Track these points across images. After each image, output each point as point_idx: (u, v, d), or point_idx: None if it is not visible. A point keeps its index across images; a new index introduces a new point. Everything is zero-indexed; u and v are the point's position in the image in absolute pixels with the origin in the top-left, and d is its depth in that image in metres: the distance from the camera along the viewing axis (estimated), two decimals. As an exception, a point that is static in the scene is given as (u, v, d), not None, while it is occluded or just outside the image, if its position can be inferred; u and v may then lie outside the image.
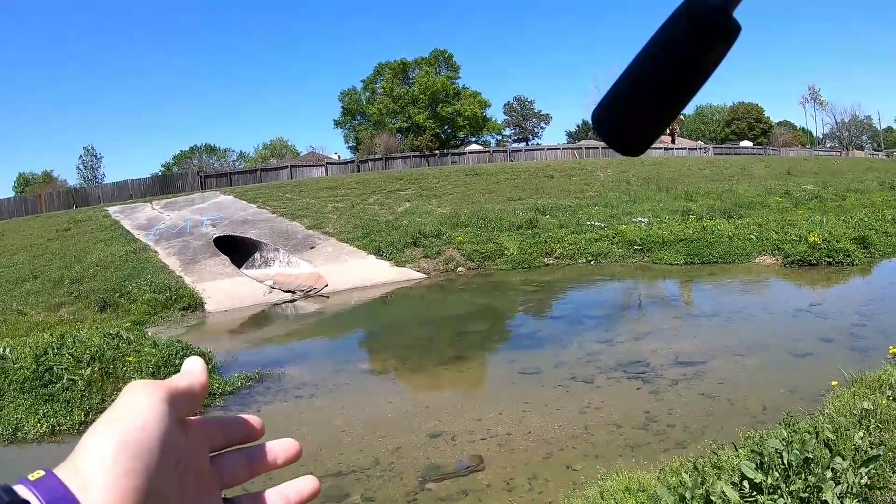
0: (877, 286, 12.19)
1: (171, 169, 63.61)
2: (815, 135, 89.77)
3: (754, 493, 3.19)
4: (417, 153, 48.00)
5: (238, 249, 19.04)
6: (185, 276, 16.31)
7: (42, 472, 0.42)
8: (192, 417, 0.51)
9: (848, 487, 3.15)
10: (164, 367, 8.38)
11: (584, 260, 16.76)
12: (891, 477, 3.44)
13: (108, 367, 8.12)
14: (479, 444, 5.89)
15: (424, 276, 16.64)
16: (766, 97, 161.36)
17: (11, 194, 54.69)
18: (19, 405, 7.52)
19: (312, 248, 19.01)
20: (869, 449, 3.67)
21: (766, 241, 15.47)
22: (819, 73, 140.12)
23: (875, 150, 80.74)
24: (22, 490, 0.40)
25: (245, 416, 0.56)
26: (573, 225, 20.11)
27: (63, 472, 0.42)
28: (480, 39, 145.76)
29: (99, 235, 22.25)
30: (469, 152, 48.71)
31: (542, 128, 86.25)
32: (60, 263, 18.51)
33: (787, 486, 3.13)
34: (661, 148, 53.31)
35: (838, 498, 3.07)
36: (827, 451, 3.38)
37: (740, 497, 3.15)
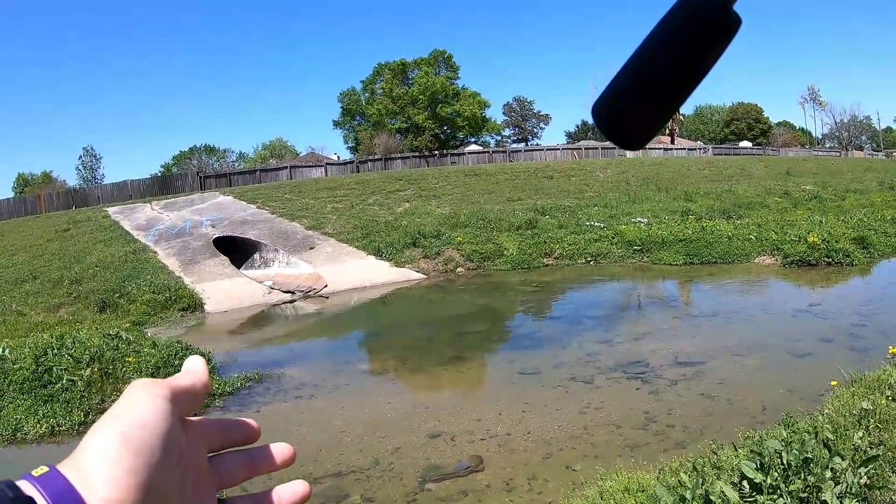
0: (876, 286, 12.19)
1: (171, 169, 63.61)
2: (814, 135, 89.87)
3: (754, 493, 3.19)
4: (417, 154, 47.98)
5: (237, 250, 19.04)
6: (184, 276, 16.31)
7: (46, 468, 0.42)
8: (193, 417, 0.51)
9: (847, 487, 3.16)
10: (164, 367, 8.37)
11: (584, 260, 16.76)
12: (890, 477, 3.44)
13: (107, 368, 8.11)
14: (478, 444, 5.89)
15: (424, 276, 16.64)
16: (766, 97, 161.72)
17: (11, 195, 54.68)
18: (19, 406, 7.52)
19: (312, 248, 19.01)
20: (868, 449, 3.67)
21: (766, 241, 15.47)
22: (819, 73, 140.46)
23: (874, 151, 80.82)
24: (25, 486, 0.41)
25: (243, 418, 0.56)
26: (572, 225, 20.12)
27: (66, 468, 0.42)
28: (480, 39, 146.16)
29: (98, 236, 22.24)
30: (468, 153, 48.70)
31: (541, 128, 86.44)
32: (60, 264, 18.50)
33: (786, 487, 3.13)
34: (660, 148, 53.34)
35: (837, 498, 3.07)
36: (826, 452, 3.38)
37: (740, 497, 3.15)
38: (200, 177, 39.80)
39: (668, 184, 29.38)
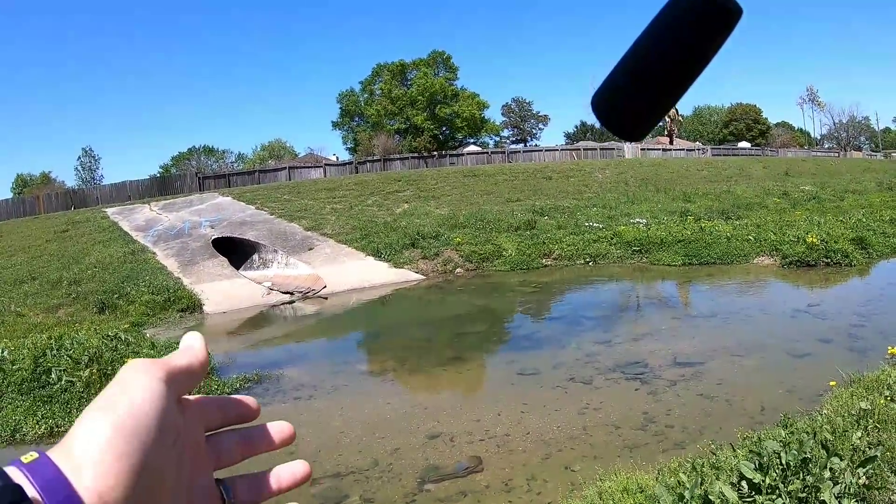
0: (875, 287, 12.20)
1: (170, 170, 63.62)
2: (813, 136, 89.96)
3: (753, 493, 3.19)
4: (416, 154, 48.00)
5: (236, 251, 19.03)
6: (183, 277, 16.30)
7: (35, 455, 0.41)
8: (190, 396, 0.51)
9: (846, 488, 3.16)
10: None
11: (583, 261, 16.76)
12: (889, 477, 3.45)
13: (106, 369, 8.10)
14: (477, 445, 5.89)
15: (423, 277, 16.64)
16: (764, 98, 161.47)
17: (9, 195, 54.63)
18: (18, 406, 7.52)
19: (311, 249, 19.01)
20: (867, 449, 3.68)
21: (765, 241, 15.48)
22: (818, 74, 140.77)
23: (873, 151, 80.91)
24: (14, 473, 0.40)
25: (241, 396, 0.55)
26: (571, 226, 20.13)
27: (57, 454, 0.41)
28: (479, 40, 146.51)
29: (97, 237, 22.23)
30: (467, 153, 48.73)
31: (540, 129, 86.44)
32: (59, 265, 18.49)
33: (785, 487, 3.13)
34: (659, 149, 53.41)
35: (836, 498, 3.07)
36: (824, 452, 3.39)
37: (739, 497, 3.15)
38: (199, 178, 39.78)
39: (666, 184, 29.41)
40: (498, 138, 73.12)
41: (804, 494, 3.10)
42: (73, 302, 14.93)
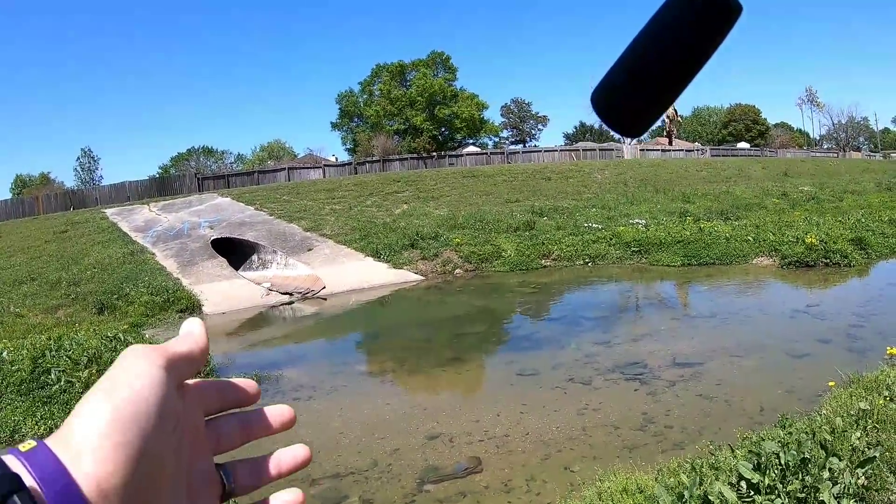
0: (874, 287, 12.21)
1: (169, 171, 63.69)
2: (812, 136, 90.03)
3: (752, 493, 3.20)
4: (415, 155, 48.05)
5: (235, 251, 19.03)
6: (182, 278, 16.30)
7: (34, 443, 0.41)
8: (189, 381, 0.50)
9: (845, 488, 3.16)
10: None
11: (582, 262, 16.76)
12: (888, 477, 3.45)
13: (105, 370, 8.06)
14: (476, 445, 5.89)
15: (422, 278, 16.64)
16: (763, 98, 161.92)
17: (8, 196, 54.64)
18: (17, 407, 7.51)
19: (310, 250, 19.00)
20: (866, 449, 3.68)
21: (764, 242, 15.50)
22: (818, 74, 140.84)
23: (872, 152, 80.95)
24: (12, 461, 0.40)
25: (240, 379, 0.55)
26: (570, 227, 20.13)
27: (55, 442, 0.41)
28: (479, 40, 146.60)
29: (96, 237, 22.22)
30: (466, 154, 48.79)
31: (539, 129, 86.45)
32: (58, 265, 18.48)
33: (784, 487, 3.14)
34: (658, 149, 53.44)
35: (835, 498, 3.07)
36: (823, 452, 3.39)
37: (738, 497, 3.15)
38: (198, 178, 39.79)
39: (665, 185, 29.42)
40: (497, 139, 73.25)
41: (803, 495, 3.11)
42: (72, 302, 14.92)
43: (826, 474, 3.20)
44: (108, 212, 27.61)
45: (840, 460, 3.31)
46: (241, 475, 0.53)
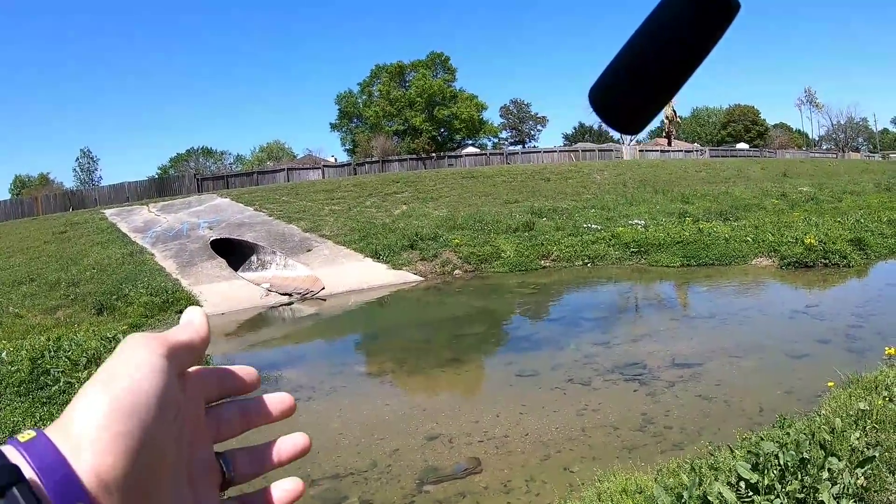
0: (873, 287, 12.22)
1: (168, 172, 63.64)
2: (811, 137, 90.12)
3: (751, 493, 3.20)
4: (414, 156, 48.05)
5: (235, 252, 19.02)
6: (181, 278, 16.29)
7: (33, 434, 0.40)
8: (190, 368, 0.50)
9: (844, 488, 3.16)
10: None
11: (581, 262, 16.76)
12: (887, 477, 3.45)
13: (104, 371, 8.09)
14: (476, 446, 5.89)
15: (421, 278, 16.64)
16: (762, 98, 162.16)
17: (8, 196, 54.60)
18: (16, 408, 7.50)
19: (309, 250, 19.00)
20: (865, 450, 3.68)
21: (763, 243, 15.50)
22: (817, 74, 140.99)
23: (871, 152, 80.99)
24: (11, 452, 0.39)
25: (240, 367, 0.54)
26: (570, 227, 20.13)
27: (55, 432, 0.41)
28: (478, 41, 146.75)
29: (95, 238, 22.21)
30: (465, 155, 48.78)
31: (538, 130, 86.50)
32: (57, 266, 18.47)
33: (783, 487, 3.14)
34: (657, 150, 53.48)
35: (834, 499, 3.08)
36: (821, 453, 3.39)
37: (737, 498, 3.16)
38: (198, 179, 39.76)
39: (665, 186, 29.43)
40: (496, 140, 73.22)
41: (802, 495, 3.11)
42: (71, 303, 14.91)
43: (825, 474, 3.20)
44: (108, 212, 27.60)
45: (839, 461, 3.32)
46: (241, 463, 0.53)
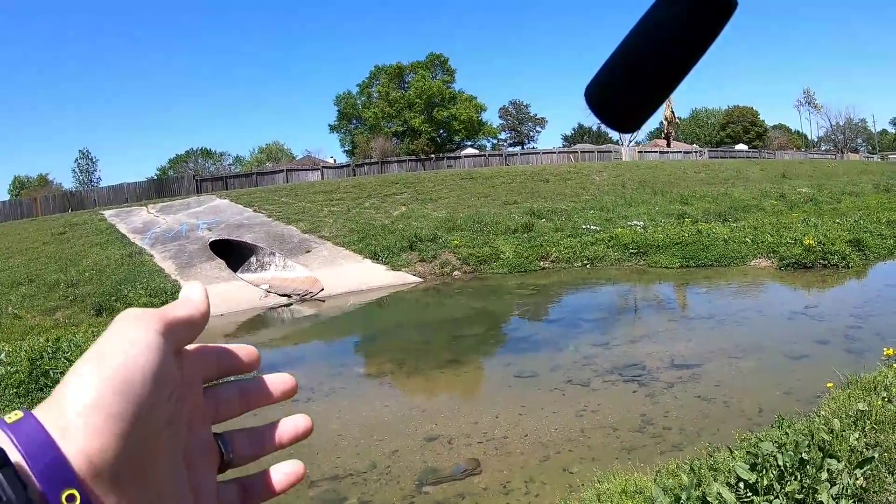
0: (872, 288, 12.23)
1: (167, 173, 63.57)
2: (810, 138, 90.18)
3: (750, 494, 3.20)
4: (413, 157, 48.07)
5: (234, 253, 19.01)
6: (180, 279, 16.28)
7: (20, 414, 0.38)
8: (188, 346, 0.48)
9: (843, 489, 3.16)
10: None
11: (580, 264, 16.77)
12: (886, 478, 3.45)
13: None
14: (475, 447, 5.89)
15: (420, 279, 16.64)
16: (761, 99, 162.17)
17: (7, 197, 54.56)
18: (15, 409, 7.50)
19: (308, 252, 19.00)
20: (865, 450, 3.68)
21: (762, 244, 15.51)
22: (817, 74, 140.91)
23: (870, 153, 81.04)
24: None
25: (240, 345, 0.52)
26: (569, 228, 20.13)
27: (43, 413, 0.39)
28: (478, 42, 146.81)
29: (94, 239, 22.19)
30: (465, 156, 48.83)
31: (537, 131, 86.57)
32: (56, 267, 18.46)
33: (782, 488, 3.14)
34: (656, 151, 53.49)
35: (833, 499, 3.08)
36: (820, 454, 3.39)
37: (736, 498, 3.16)
38: (197, 180, 39.76)
39: (663, 187, 29.43)
40: (495, 141, 73.24)
41: (801, 496, 3.11)
42: (70, 304, 14.91)
43: (825, 475, 3.20)
44: (107, 213, 27.58)
45: (839, 461, 3.32)
46: (241, 445, 0.51)
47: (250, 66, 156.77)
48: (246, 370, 0.52)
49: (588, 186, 30.16)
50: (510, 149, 69.26)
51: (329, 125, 67.68)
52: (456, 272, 16.99)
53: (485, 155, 49.50)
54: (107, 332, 0.42)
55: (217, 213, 24.83)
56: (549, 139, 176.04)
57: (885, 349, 6.04)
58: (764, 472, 3.24)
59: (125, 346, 0.41)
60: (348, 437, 6.39)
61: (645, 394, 6.96)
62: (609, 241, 17.74)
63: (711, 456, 4.24)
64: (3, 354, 8.78)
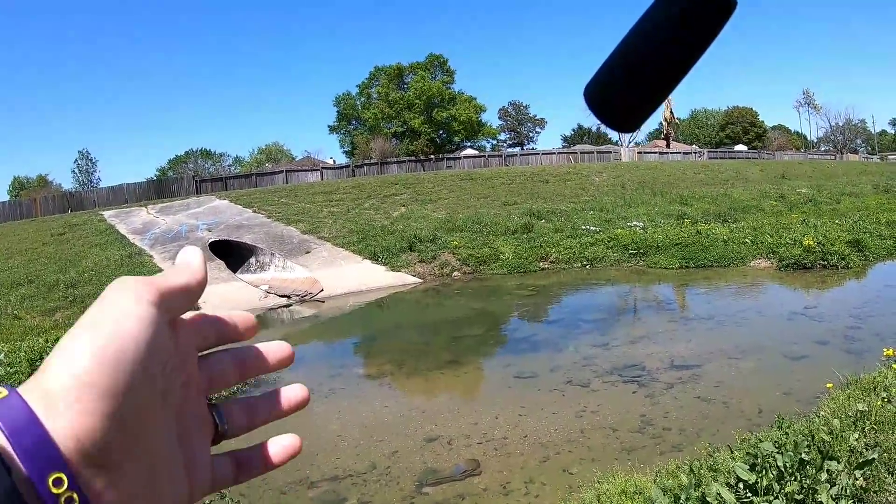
0: (871, 289, 12.23)
1: (167, 173, 63.61)
2: (809, 139, 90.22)
3: (749, 494, 3.20)
4: (413, 158, 48.06)
5: (233, 254, 19.00)
6: (180, 280, 16.26)
7: (4, 392, 0.36)
8: (184, 315, 0.46)
9: (843, 489, 3.16)
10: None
11: (580, 264, 16.77)
12: (886, 478, 3.46)
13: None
14: (475, 448, 5.89)
15: (420, 280, 16.63)
16: (761, 99, 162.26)
17: (6, 198, 54.56)
18: None
19: (308, 252, 18.99)
20: (864, 450, 3.68)
21: (761, 244, 15.52)
22: (816, 74, 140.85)
23: (869, 154, 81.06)
24: None
25: (237, 312, 0.50)
26: (568, 229, 20.12)
27: (29, 391, 0.36)
28: (477, 43, 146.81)
29: (94, 240, 22.19)
30: (464, 157, 48.83)
31: (537, 132, 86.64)
32: (55, 268, 18.45)
33: (781, 488, 3.14)
34: (655, 152, 53.49)
35: (833, 500, 3.08)
36: (819, 455, 3.39)
37: (736, 499, 3.16)
38: (196, 181, 39.76)
39: (663, 188, 29.42)
40: (495, 142, 73.28)
41: (801, 496, 3.11)
42: (69, 305, 14.90)
43: (824, 476, 3.20)
44: (106, 214, 27.57)
45: (838, 462, 3.32)
46: (235, 416, 0.48)
47: (250, 66, 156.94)
48: (242, 338, 0.49)
49: (587, 187, 30.15)
50: (510, 149, 69.28)
51: (329, 126, 67.75)
52: (455, 273, 16.99)
53: (484, 156, 49.50)
54: (98, 301, 0.40)
55: (217, 213, 24.83)
56: (548, 140, 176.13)
57: (884, 349, 6.04)
58: (763, 472, 3.24)
59: (117, 317, 0.39)
60: (348, 438, 6.39)
61: (645, 394, 6.96)
62: (608, 241, 17.74)
63: (711, 456, 4.24)
64: (2, 355, 8.77)
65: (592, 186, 30.39)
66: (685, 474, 3.72)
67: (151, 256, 18.91)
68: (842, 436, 3.93)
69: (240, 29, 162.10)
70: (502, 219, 21.90)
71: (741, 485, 3.26)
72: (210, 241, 19.90)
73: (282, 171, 42.30)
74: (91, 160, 73.72)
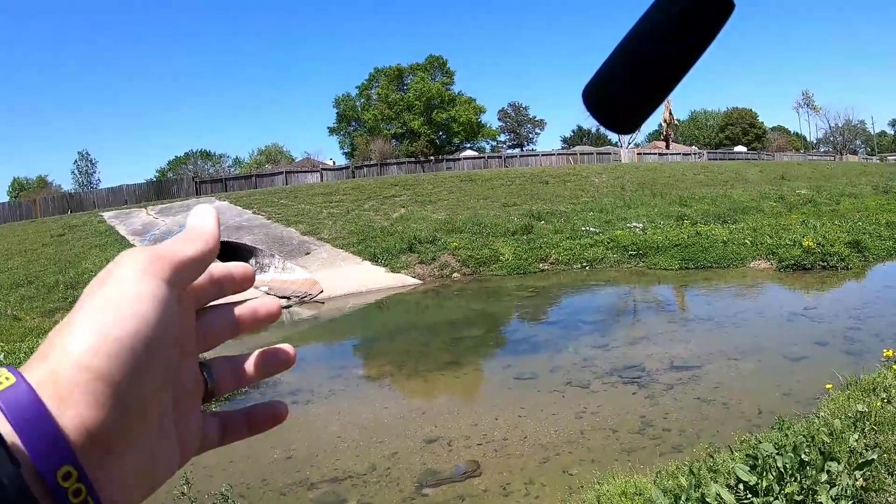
0: (871, 290, 12.23)
1: (166, 174, 63.62)
2: (809, 140, 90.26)
3: (749, 495, 3.20)
4: (412, 159, 48.08)
5: (233, 255, 18.97)
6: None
7: (11, 378, 0.34)
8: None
9: (843, 490, 3.16)
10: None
11: (579, 265, 16.76)
12: (886, 479, 3.46)
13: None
14: (475, 449, 5.89)
15: (420, 281, 16.63)
16: (760, 100, 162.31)
17: (6, 199, 54.58)
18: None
19: (307, 254, 18.99)
20: (864, 451, 3.68)
21: (761, 245, 15.52)
22: (816, 74, 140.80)
23: (869, 155, 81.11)
24: None
25: (235, 264, 0.48)
26: (568, 230, 20.12)
27: (36, 375, 0.35)
28: (477, 43, 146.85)
29: (94, 241, 22.19)
30: (464, 158, 48.84)
31: (536, 133, 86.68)
32: (55, 269, 18.45)
33: (781, 489, 3.14)
34: (655, 153, 53.52)
35: (833, 500, 3.08)
36: (819, 455, 3.39)
37: (736, 500, 3.16)
38: (196, 182, 39.78)
39: (663, 189, 29.44)
40: (494, 143, 73.31)
41: (801, 497, 3.11)
42: (69, 306, 14.80)
43: (824, 476, 3.20)
44: (106, 215, 27.58)
45: (839, 463, 3.32)
46: (223, 373, 0.47)
47: (250, 66, 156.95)
48: (240, 290, 0.48)
49: (587, 188, 30.16)
50: (509, 151, 69.42)
51: (328, 127, 67.81)
52: (455, 274, 16.99)
53: (484, 157, 49.52)
54: (107, 278, 0.39)
55: (216, 215, 24.79)
56: (548, 141, 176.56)
57: (884, 350, 6.04)
58: (763, 473, 3.24)
59: (127, 298, 0.37)
60: (348, 439, 6.39)
61: (644, 395, 6.96)
62: (608, 242, 17.73)
63: (711, 457, 4.24)
64: (2, 356, 8.77)
65: (592, 188, 30.40)
66: (685, 475, 3.72)
67: (151, 258, 18.89)
68: (842, 437, 3.93)
69: (240, 29, 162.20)
70: (502, 220, 21.90)
71: (741, 486, 3.26)
72: (210, 242, 19.88)
73: (281, 173, 42.29)
74: (91, 161, 73.79)
